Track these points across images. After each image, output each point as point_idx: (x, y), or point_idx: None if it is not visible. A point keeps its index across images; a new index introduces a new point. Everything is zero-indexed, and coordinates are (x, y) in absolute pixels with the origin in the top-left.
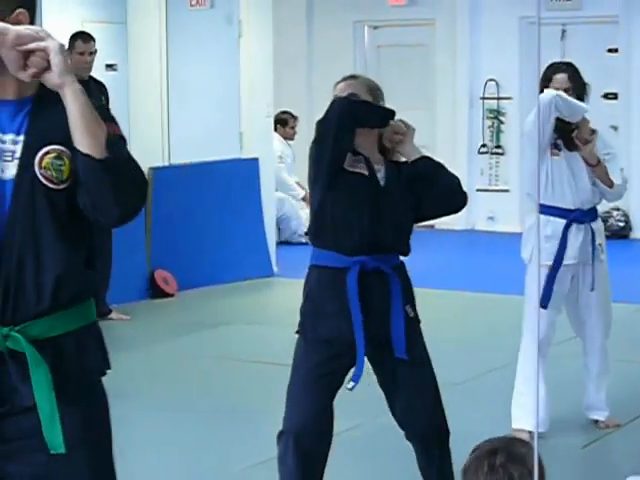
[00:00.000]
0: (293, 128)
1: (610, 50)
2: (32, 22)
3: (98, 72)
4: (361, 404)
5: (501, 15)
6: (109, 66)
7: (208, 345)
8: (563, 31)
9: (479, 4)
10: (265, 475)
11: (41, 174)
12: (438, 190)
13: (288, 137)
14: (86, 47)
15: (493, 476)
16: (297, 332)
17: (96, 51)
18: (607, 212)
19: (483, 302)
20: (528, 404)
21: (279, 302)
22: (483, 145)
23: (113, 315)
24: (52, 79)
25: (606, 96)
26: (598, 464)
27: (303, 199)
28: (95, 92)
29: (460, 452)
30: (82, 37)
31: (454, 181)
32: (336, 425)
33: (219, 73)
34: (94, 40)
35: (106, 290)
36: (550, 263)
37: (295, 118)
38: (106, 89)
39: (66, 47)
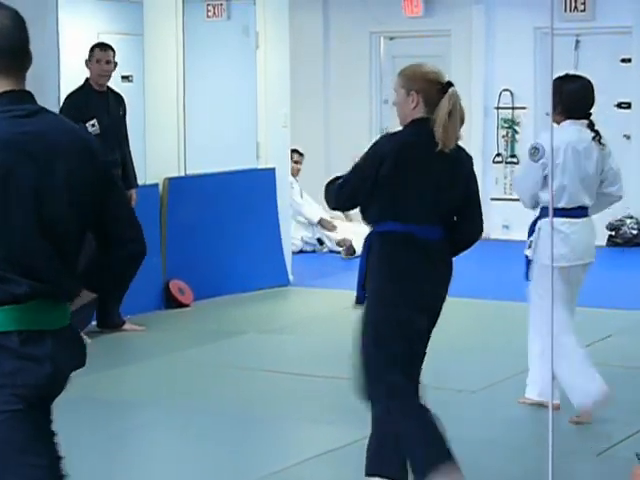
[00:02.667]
0: (297, 163)
1: (623, 60)
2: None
3: (114, 83)
4: None
5: (516, 26)
6: (125, 77)
7: (224, 355)
8: (577, 41)
9: (494, 15)
10: None
11: None
12: None
13: (293, 173)
14: (104, 55)
15: None
16: None
17: (116, 63)
18: (620, 220)
19: (498, 310)
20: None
21: (295, 311)
22: (498, 154)
23: (127, 326)
24: None
25: (619, 105)
26: (612, 472)
27: (319, 223)
28: (113, 104)
29: (476, 459)
30: (100, 46)
31: None
32: (350, 434)
33: (236, 84)
34: (113, 49)
35: (120, 302)
36: None
37: (301, 155)
38: (124, 101)
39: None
